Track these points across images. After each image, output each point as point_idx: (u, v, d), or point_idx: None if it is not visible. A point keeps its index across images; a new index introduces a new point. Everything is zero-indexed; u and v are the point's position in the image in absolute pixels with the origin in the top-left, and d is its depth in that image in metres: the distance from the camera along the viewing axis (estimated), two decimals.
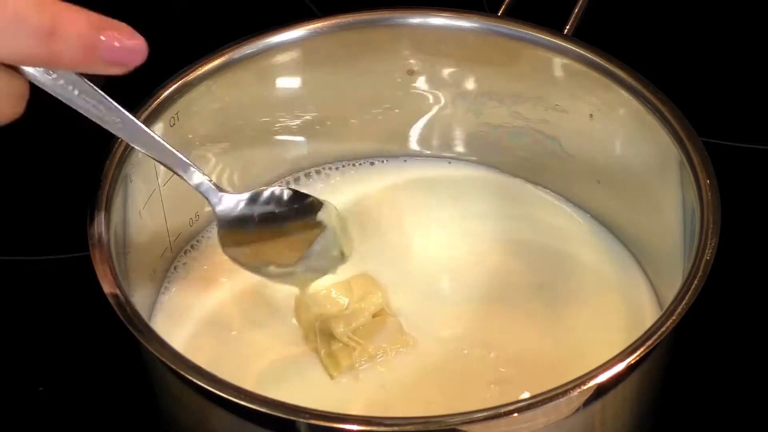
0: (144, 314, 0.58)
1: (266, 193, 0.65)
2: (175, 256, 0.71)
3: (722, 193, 0.62)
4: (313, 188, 0.76)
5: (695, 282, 0.58)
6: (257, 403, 0.54)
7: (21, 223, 0.80)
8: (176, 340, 0.66)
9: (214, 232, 0.73)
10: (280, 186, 0.65)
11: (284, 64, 0.71)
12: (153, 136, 0.60)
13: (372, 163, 0.77)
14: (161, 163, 0.62)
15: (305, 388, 0.65)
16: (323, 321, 0.67)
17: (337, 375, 0.66)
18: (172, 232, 0.70)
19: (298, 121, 0.74)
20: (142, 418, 0.68)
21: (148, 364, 0.60)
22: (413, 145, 0.77)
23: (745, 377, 0.71)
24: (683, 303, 0.57)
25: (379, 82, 0.73)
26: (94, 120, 0.58)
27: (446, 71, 0.73)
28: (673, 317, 0.56)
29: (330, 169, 0.77)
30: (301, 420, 0.53)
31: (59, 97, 0.56)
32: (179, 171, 0.62)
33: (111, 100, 0.57)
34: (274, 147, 0.75)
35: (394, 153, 0.77)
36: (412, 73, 0.73)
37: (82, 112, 0.57)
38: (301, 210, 0.65)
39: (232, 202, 0.64)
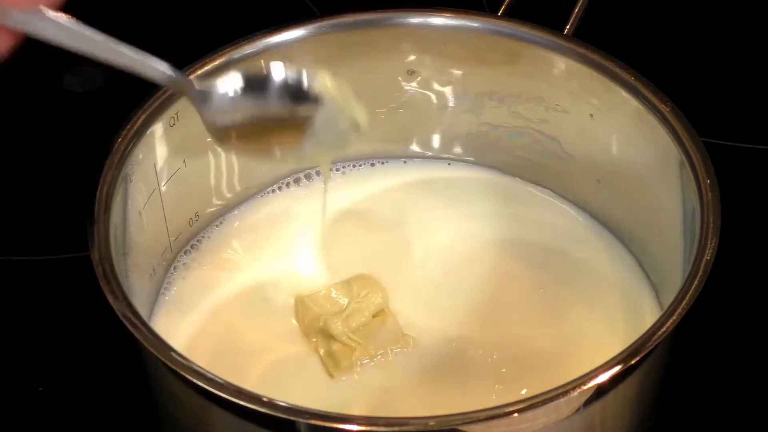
0: (144, 314, 0.58)
1: (254, 79, 0.61)
2: (175, 256, 0.71)
3: (722, 193, 0.61)
4: (313, 190, 0.76)
5: (695, 282, 0.58)
6: (257, 403, 0.54)
7: (21, 223, 0.80)
8: (176, 340, 0.66)
9: (214, 232, 0.73)
10: (260, 72, 0.61)
11: (284, 64, 0.71)
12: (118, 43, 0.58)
13: (372, 165, 0.77)
14: (129, 71, 0.59)
15: (305, 388, 0.65)
16: (323, 321, 0.67)
17: (337, 375, 0.66)
18: (172, 232, 0.70)
19: None
20: (142, 418, 0.68)
21: (148, 364, 0.60)
22: (413, 145, 0.77)
23: (745, 377, 0.71)
24: (683, 303, 0.57)
25: (380, 82, 0.73)
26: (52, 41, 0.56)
27: (446, 71, 0.73)
28: (673, 317, 0.56)
29: (331, 170, 0.77)
30: (301, 420, 0.53)
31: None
32: (151, 73, 0.59)
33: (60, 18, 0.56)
34: None
35: (395, 154, 0.77)
36: (412, 73, 0.73)
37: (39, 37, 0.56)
38: (294, 88, 0.62)
39: (215, 98, 0.61)
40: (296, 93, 0.62)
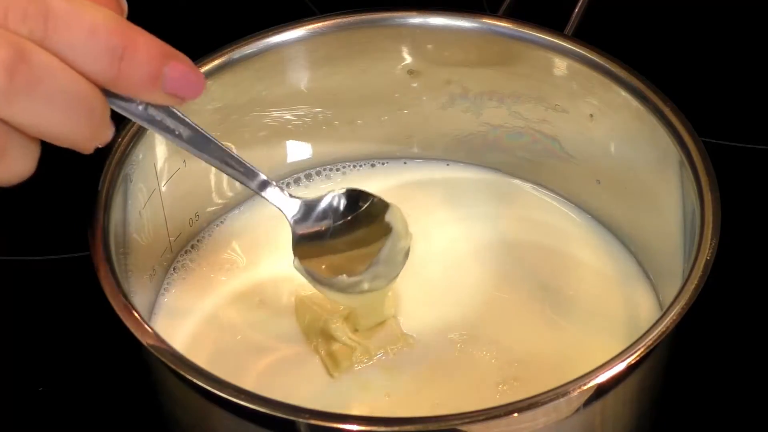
0: (144, 314, 0.58)
1: (333, 200, 0.64)
2: (175, 256, 0.71)
3: (722, 193, 0.62)
4: (313, 190, 0.76)
5: (695, 282, 0.58)
6: (257, 403, 0.53)
7: (21, 223, 0.80)
8: (176, 340, 0.66)
9: (213, 231, 0.73)
10: (339, 192, 0.64)
11: (284, 64, 0.71)
12: (224, 149, 0.59)
13: (372, 165, 0.77)
14: (232, 176, 0.60)
15: (305, 388, 0.65)
16: (323, 321, 0.67)
17: (338, 375, 0.65)
18: (172, 232, 0.70)
19: (298, 122, 0.74)
20: (142, 418, 0.68)
21: (149, 364, 0.60)
22: (413, 146, 0.77)
23: (745, 377, 0.71)
24: (683, 303, 0.57)
25: (379, 82, 0.73)
26: (167, 138, 0.56)
27: (446, 71, 0.73)
28: (673, 317, 0.56)
29: (330, 170, 0.77)
30: (301, 420, 0.53)
31: (139, 121, 0.55)
32: (251, 184, 0.61)
33: (182, 115, 0.56)
34: (274, 148, 0.75)
35: (394, 155, 0.77)
36: (412, 73, 0.73)
37: (156, 131, 0.56)
38: (367, 212, 0.64)
39: (304, 212, 0.63)
40: (371, 221, 0.64)
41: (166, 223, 0.70)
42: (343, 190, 0.64)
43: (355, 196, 0.64)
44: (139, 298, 0.65)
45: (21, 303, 0.75)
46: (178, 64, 0.52)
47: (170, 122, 0.55)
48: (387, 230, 0.64)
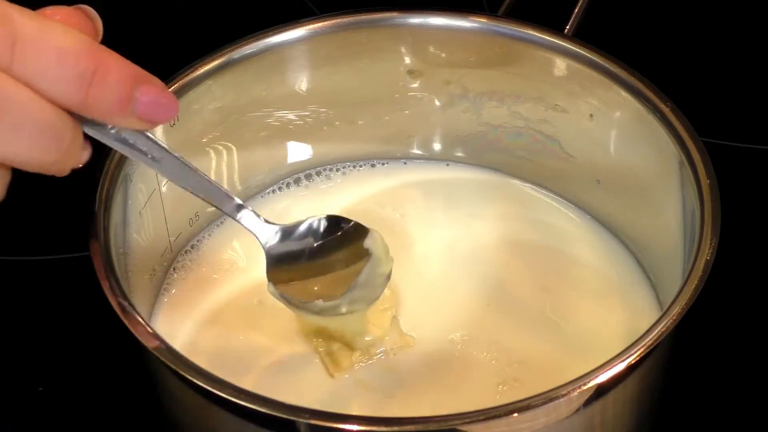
0: (144, 314, 0.58)
1: (311, 225, 0.63)
2: (175, 256, 0.71)
3: (722, 193, 0.62)
4: (313, 190, 0.76)
5: (695, 282, 0.58)
6: (257, 403, 0.54)
7: (21, 223, 0.80)
8: (176, 340, 0.66)
9: (214, 232, 0.73)
10: (318, 218, 0.64)
11: (284, 64, 0.71)
12: (199, 173, 0.58)
13: (372, 165, 0.77)
14: (206, 201, 0.59)
15: (305, 388, 0.65)
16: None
17: (338, 375, 0.65)
18: (172, 232, 0.70)
19: (298, 122, 0.74)
20: (142, 418, 0.68)
21: (149, 364, 0.60)
22: (413, 146, 0.77)
23: (745, 377, 0.71)
24: (683, 303, 0.57)
25: (379, 82, 0.73)
26: (142, 162, 0.55)
27: (446, 71, 0.73)
28: (673, 317, 0.56)
29: (330, 170, 0.77)
30: (301, 420, 0.53)
31: (111, 145, 0.54)
32: (226, 208, 0.60)
33: (157, 140, 0.55)
34: (274, 148, 0.75)
35: (395, 155, 0.77)
36: (412, 73, 0.73)
37: (130, 155, 0.55)
38: (346, 237, 0.64)
39: (279, 237, 0.63)
40: (349, 246, 0.64)
41: (166, 223, 0.70)
42: (323, 216, 0.64)
43: (334, 222, 0.64)
44: (139, 298, 0.65)
45: (21, 303, 0.75)
46: (149, 87, 0.50)
47: (145, 146, 0.54)
48: (366, 254, 0.64)
